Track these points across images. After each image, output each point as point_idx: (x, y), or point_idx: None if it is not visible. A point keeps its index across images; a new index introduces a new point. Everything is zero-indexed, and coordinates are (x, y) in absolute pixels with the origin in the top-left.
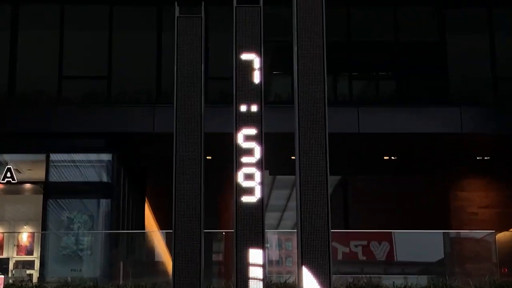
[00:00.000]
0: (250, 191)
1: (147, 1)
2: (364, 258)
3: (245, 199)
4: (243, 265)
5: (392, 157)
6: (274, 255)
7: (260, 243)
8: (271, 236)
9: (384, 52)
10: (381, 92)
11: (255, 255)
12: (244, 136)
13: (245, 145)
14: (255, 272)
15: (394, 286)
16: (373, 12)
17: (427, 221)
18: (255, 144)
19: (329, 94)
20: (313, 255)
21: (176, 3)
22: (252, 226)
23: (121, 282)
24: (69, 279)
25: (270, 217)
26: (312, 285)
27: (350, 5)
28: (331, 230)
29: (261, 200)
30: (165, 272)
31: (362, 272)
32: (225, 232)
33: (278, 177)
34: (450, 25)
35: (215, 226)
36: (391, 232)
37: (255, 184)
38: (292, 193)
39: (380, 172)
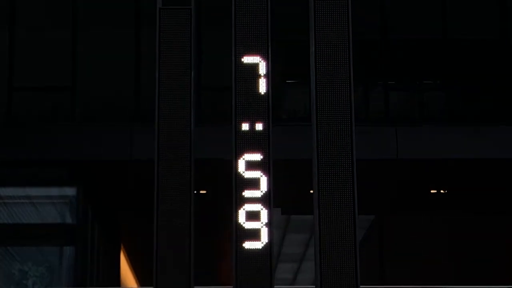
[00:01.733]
0: (254, 234)
1: None
2: None
3: (249, 245)
4: None
5: (442, 190)
6: None
7: None
8: None
9: (431, 54)
10: (426, 106)
11: None
12: (247, 163)
13: (248, 174)
14: None
15: None
16: (415, 1)
17: (490, 273)
18: (261, 174)
19: (358, 109)
20: None
21: None
22: (257, 280)
23: None
24: None
25: (283, 270)
26: None
27: None
28: (361, 287)
29: (269, 246)
30: None
31: None
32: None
33: (293, 217)
34: None
35: (210, 281)
36: None
37: (261, 225)
38: (312, 238)
39: (426, 209)
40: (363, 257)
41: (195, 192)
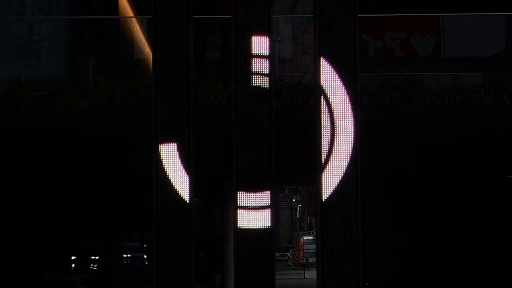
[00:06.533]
0: None
1: None
2: (403, 55)
3: None
4: (244, 57)
5: None
6: (287, 51)
7: (266, 28)
8: (283, 26)
9: None
10: None
11: (260, 44)
12: None
13: None
14: (260, 65)
15: (439, 84)
16: None
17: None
18: None
19: None
20: (336, 47)
21: None
22: (255, 6)
23: (90, 83)
24: (23, 78)
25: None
26: (333, 83)
27: None
28: (359, 15)
29: None
30: (145, 72)
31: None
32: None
33: None
34: None
35: (210, 12)
36: (438, 17)
37: None
38: None
39: None
40: None
41: None
